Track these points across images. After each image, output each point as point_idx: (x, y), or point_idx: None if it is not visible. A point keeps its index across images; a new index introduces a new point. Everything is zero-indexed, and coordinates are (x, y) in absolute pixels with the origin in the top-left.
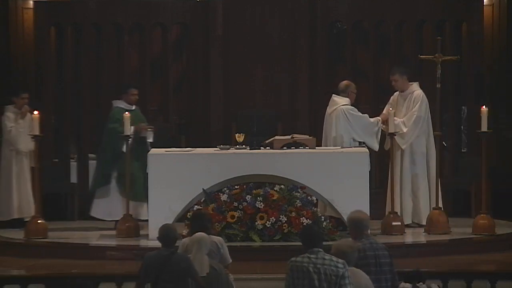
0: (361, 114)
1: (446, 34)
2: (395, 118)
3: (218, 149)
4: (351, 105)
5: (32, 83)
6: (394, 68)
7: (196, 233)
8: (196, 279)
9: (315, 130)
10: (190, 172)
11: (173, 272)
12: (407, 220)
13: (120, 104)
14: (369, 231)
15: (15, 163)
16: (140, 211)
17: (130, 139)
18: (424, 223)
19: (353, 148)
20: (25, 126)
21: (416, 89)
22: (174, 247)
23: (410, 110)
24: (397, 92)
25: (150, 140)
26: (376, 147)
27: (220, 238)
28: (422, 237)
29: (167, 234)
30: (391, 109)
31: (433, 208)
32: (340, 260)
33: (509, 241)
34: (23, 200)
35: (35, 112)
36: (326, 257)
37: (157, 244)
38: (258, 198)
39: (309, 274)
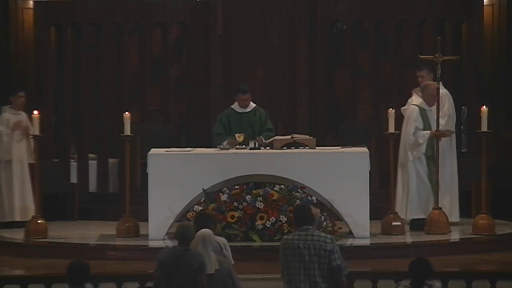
0: (415, 122)
1: (446, 34)
2: None
3: (218, 149)
4: (428, 107)
5: (32, 83)
6: (423, 64)
7: (200, 230)
8: (202, 279)
9: (315, 130)
10: (190, 172)
11: (186, 269)
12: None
13: (233, 106)
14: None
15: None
16: None
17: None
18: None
19: (353, 148)
20: (13, 136)
21: (442, 87)
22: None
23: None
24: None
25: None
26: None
27: (224, 239)
28: (422, 237)
29: (184, 232)
30: (391, 109)
31: (433, 208)
32: (328, 236)
33: (509, 241)
34: (27, 201)
35: (35, 112)
36: (315, 234)
37: (156, 244)
38: (258, 198)
39: (299, 250)
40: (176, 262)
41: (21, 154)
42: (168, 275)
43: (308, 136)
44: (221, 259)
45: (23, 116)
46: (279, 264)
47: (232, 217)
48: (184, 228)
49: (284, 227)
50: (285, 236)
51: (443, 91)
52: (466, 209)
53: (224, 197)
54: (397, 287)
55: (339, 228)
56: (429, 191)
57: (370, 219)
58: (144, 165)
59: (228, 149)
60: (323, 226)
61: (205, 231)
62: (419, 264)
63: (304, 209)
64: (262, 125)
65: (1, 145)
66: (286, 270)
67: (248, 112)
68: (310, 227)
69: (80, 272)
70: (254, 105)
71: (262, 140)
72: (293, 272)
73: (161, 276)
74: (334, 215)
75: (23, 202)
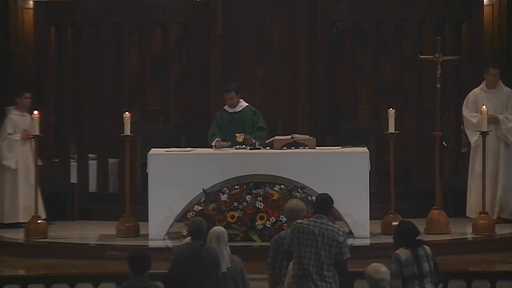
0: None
1: (446, 34)
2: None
3: (214, 147)
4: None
5: (32, 83)
6: (490, 63)
7: (214, 228)
8: (218, 273)
9: (315, 130)
10: (190, 172)
11: (202, 264)
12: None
13: (225, 106)
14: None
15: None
16: None
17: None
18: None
19: (353, 148)
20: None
21: (503, 86)
22: (203, 240)
23: (504, 106)
24: (477, 90)
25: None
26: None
27: None
28: (422, 237)
29: (198, 228)
30: (391, 109)
31: (433, 208)
32: (340, 228)
33: (509, 241)
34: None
35: (35, 112)
36: (329, 224)
37: (156, 244)
38: (258, 198)
39: (314, 236)
40: (191, 258)
41: (26, 155)
42: (184, 271)
43: (308, 136)
44: (233, 257)
45: (28, 118)
46: (271, 252)
47: (232, 217)
48: (198, 223)
49: (284, 227)
50: (299, 220)
51: (507, 88)
52: (466, 209)
53: (224, 197)
54: (398, 259)
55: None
56: None
57: (370, 219)
58: (144, 165)
59: (226, 146)
60: None
61: (219, 228)
62: (408, 227)
63: (326, 199)
64: (254, 123)
65: (10, 152)
66: (297, 253)
67: (238, 112)
68: (324, 216)
69: (141, 261)
70: (246, 104)
71: (252, 140)
72: (304, 255)
73: (175, 272)
74: (334, 215)
75: (29, 203)
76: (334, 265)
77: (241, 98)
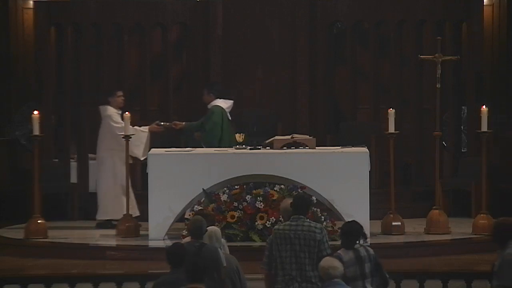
0: None
1: (446, 34)
2: None
3: (217, 149)
4: None
5: (32, 83)
6: None
7: (208, 227)
8: (219, 272)
9: (315, 130)
10: (190, 172)
11: (203, 263)
12: None
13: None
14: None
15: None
16: None
17: None
18: None
19: (353, 148)
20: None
21: None
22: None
23: None
24: None
25: None
26: None
27: (223, 239)
28: (422, 237)
29: (198, 227)
30: (391, 109)
31: (433, 208)
32: (318, 225)
33: None
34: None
35: (35, 112)
36: (305, 223)
37: (156, 244)
38: (258, 198)
39: (290, 240)
40: (192, 257)
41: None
42: (185, 270)
43: (308, 136)
44: (230, 257)
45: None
46: (266, 251)
47: (232, 217)
48: (198, 222)
49: None
50: (276, 226)
51: None
52: (466, 209)
53: (224, 197)
54: (341, 260)
55: (339, 228)
56: None
57: (370, 219)
58: (144, 165)
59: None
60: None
61: (211, 228)
62: (351, 225)
63: (301, 198)
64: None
65: (139, 142)
66: (279, 258)
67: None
68: (302, 216)
69: (178, 254)
70: (215, 105)
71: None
72: (285, 260)
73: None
74: (334, 215)
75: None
76: (317, 263)
77: (220, 98)
